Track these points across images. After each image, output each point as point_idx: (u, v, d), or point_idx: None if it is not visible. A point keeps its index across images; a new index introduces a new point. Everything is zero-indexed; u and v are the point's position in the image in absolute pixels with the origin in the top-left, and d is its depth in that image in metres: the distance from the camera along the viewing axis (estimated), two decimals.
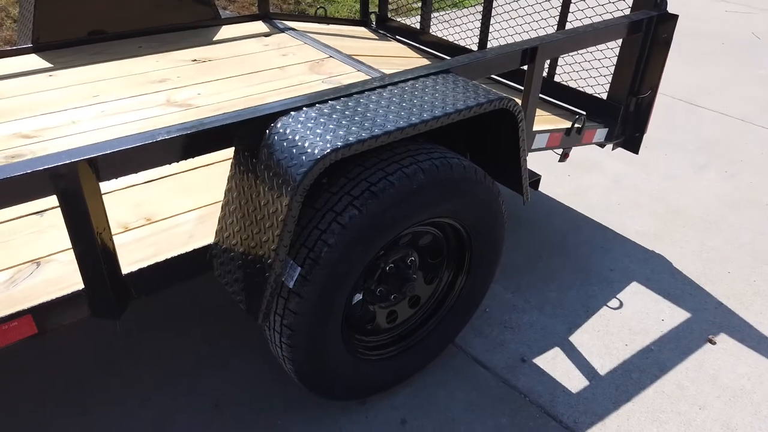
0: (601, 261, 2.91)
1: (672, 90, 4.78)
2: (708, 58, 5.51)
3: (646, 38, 2.66)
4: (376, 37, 3.91)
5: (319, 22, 3.91)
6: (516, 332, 2.47)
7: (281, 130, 1.56)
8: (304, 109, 1.62)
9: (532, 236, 3.06)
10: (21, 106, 2.53)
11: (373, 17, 4.07)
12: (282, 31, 3.53)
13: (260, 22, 3.64)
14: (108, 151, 1.39)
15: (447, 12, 4.46)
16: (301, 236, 1.65)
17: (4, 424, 2.00)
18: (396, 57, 3.49)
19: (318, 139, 1.50)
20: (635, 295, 2.71)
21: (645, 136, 2.76)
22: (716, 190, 3.52)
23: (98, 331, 2.39)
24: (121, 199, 1.97)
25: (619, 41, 2.75)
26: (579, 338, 2.46)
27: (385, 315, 2.06)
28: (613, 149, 3.00)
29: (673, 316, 2.60)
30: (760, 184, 3.59)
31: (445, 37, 3.75)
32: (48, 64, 2.92)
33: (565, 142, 2.67)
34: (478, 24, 3.50)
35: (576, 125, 2.63)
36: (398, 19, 3.97)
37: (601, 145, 2.94)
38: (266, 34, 3.48)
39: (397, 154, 1.75)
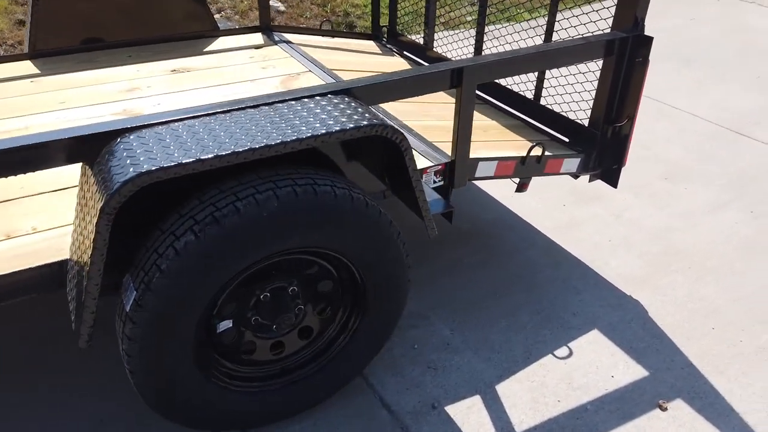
0: (567, 303, 2.65)
1: (719, 116, 4.34)
2: None
3: (621, 62, 2.40)
4: (380, 52, 3.82)
5: (324, 35, 3.87)
6: (438, 374, 2.29)
7: (115, 149, 1.52)
8: (144, 129, 1.57)
9: (500, 269, 2.85)
10: None
11: (385, 31, 3.98)
12: (276, 43, 3.52)
13: (259, 34, 3.65)
14: None
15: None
16: (143, 259, 1.60)
17: None
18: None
19: (139, 160, 1.45)
20: (591, 344, 2.44)
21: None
22: (732, 233, 3.13)
23: None
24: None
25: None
26: (508, 388, 2.25)
27: (269, 346, 1.96)
28: (590, 181, 2.73)
29: (626, 372, 2.32)
30: None
31: (446, 53, 3.61)
32: (36, 71, 3.06)
33: (520, 172, 2.46)
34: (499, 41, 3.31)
35: (533, 153, 2.42)
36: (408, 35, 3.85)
37: (574, 176, 2.69)
38: (258, 47, 3.49)
39: (260, 177, 1.66)
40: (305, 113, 1.70)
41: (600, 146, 2.59)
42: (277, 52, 3.42)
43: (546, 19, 2.79)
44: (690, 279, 2.80)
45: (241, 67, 3.20)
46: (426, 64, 3.64)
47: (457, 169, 2.23)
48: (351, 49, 3.74)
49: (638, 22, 2.36)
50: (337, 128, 1.61)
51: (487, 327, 2.51)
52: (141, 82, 2.97)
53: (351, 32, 4.32)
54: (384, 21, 3.94)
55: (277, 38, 3.59)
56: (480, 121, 2.90)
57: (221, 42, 3.51)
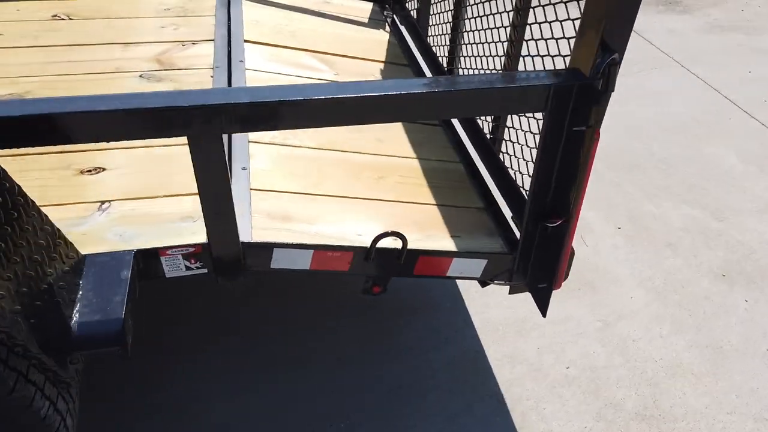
0: None
1: None
2: None
3: (558, 126, 1.33)
4: (364, 22, 2.87)
5: None
6: None
7: None
8: None
9: (360, 382, 1.96)
10: None
11: None
12: None
13: None
14: None
15: None
16: None
17: None
18: (325, 54, 2.44)
19: None
20: None
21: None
22: None
23: None
24: None
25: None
26: None
27: None
28: (510, 293, 1.71)
29: None
30: None
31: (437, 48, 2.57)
32: None
33: (364, 268, 1.52)
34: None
35: (382, 246, 1.46)
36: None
37: (481, 283, 1.68)
38: None
39: None
40: None
41: (523, 248, 1.56)
42: (205, 7, 2.62)
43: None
44: None
45: (138, 22, 2.46)
46: (417, 54, 2.65)
47: (215, 255, 1.37)
48: (324, 12, 2.83)
49: (601, 60, 1.25)
50: None
51: None
52: None
53: None
54: None
55: None
56: (390, 156, 1.92)
57: None
